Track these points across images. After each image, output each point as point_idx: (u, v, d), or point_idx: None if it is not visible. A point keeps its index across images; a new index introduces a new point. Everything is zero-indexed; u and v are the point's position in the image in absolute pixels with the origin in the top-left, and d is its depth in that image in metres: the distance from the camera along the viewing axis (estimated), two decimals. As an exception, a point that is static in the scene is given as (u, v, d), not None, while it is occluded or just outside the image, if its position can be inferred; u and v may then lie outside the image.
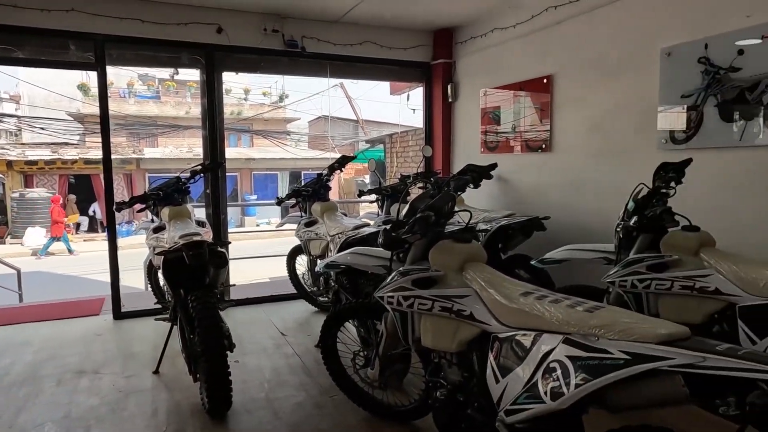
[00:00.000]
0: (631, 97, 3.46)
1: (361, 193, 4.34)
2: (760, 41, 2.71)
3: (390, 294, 2.04)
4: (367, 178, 16.99)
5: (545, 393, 1.43)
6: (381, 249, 2.58)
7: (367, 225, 3.35)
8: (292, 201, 4.24)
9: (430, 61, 5.53)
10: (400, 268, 2.08)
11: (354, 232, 3.24)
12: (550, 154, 4.21)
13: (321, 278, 4.01)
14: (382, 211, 4.52)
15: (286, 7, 4.56)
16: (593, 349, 1.36)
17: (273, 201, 4.33)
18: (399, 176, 4.73)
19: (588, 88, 3.80)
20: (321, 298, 4.61)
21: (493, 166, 3.40)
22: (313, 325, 4.32)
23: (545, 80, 4.18)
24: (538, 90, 4.28)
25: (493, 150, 4.85)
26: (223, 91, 4.85)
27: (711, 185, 2.97)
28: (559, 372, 1.42)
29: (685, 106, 3.09)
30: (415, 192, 5.35)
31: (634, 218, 2.36)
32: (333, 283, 3.58)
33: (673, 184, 2.57)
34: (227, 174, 4.90)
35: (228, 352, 2.61)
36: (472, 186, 2.45)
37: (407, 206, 2.11)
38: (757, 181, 2.79)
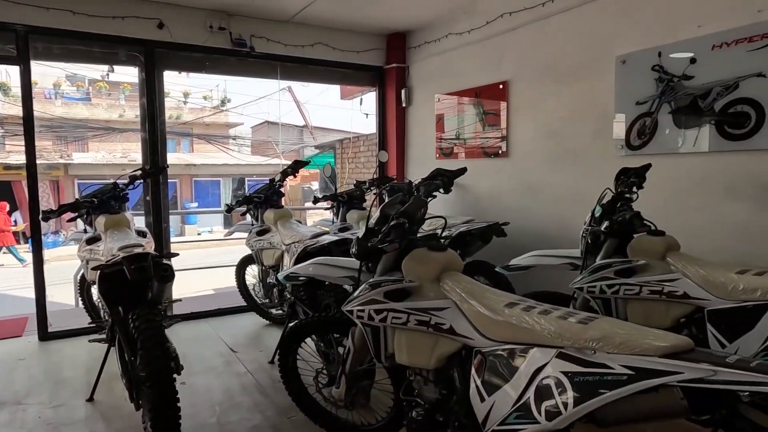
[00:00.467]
0: (587, 104, 3.51)
1: (315, 200, 4.15)
2: (710, 50, 2.79)
3: (360, 308, 1.89)
4: (314, 185, 16.69)
5: (539, 412, 1.32)
6: (345, 259, 2.43)
7: (326, 233, 3.18)
8: (243, 208, 3.99)
9: (384, 65, 5.44)
10: (370, 280, 1.93)
11: (313, 241, 3.06)
12: (507, 160, 4.21)
13: (274, 290, 3.79)
14: (337, 219, 4.36)
15: (234, 5, 4.32)
16: (591, 364, 1.28)
17: (218, 208, 4.06)
18: (354, 182, 4.59)
19: (544, 95, 3.83)
20: (273, 311, 4.37)
21: (463, 170, 3.31)
22: (265, 340, 4.07)
23: (501, 86, 4.18)
24: (493, 96, 4.27)
25: (449, 156, 4.81)
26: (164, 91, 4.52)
27: (666, 190, 3.03)
28: (554, 389, 1.32)
29: (641, 113, 3.15)
30: (371, 199, 5.23)
31: (605, 223, 2.34)
32: (288, 295, 3.38)
33: (634, 188, 2.59)
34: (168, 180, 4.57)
35: (175, 375, 2.35)
36: (442, 191, 2.37)
37: (377, 213, 1.97)
38: (708, 187, 2.87)
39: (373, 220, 1.93)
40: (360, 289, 1.95)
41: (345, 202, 4.22)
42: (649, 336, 1.26)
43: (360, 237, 1.80)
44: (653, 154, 3.08)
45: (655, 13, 3.07)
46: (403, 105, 5.36)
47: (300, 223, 3.85)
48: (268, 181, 3.99)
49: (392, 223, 1.77)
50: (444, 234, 3.58)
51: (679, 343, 1.21)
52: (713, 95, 2.79)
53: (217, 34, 4.47)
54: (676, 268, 2.21)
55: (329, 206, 4.42)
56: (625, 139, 3.25)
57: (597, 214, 2.48)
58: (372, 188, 4.51)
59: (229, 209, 3.87)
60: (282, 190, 4.06)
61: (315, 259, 2.43)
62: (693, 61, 2.87)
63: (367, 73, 5.50)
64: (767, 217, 2.64)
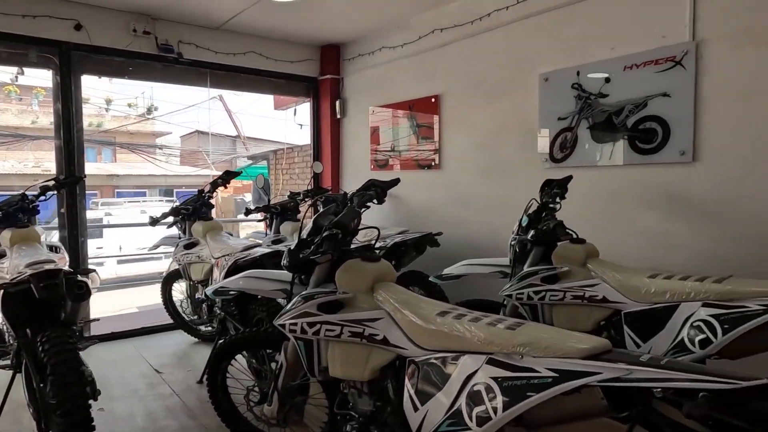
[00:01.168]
0: (514, 118, 3.66)
1: (248, 212, 4.04)
2: (623, 71, 3.01)
3: (292, 321, 1.84)
4: (247, 197, 16.25)
5: (470, 418, 1.35)
6: (277, 272, 2.37)
7: (257, 245, 3.09)
8: (169, 220, 3.80)
9: (318, 76, 5.42)
10: (303, 293, 1.89)
11: (244, 254, 2.96)
12: (439, 172, 4.30)
13: (203, 305, 3.62)
14: (270, 231, 4.26)
15: (159, 8, 4.15)
16: (519, 369, 1.31)
17: (145, 222, 3.84)
18: (288, 193, 4.51)
19: (474, 109, 3.96)
20: (203, 328, 4.18)
21: (396, 181, 3.34)
22: (194, 358, 3.88)
23: (433, 99, 4.29)
24: (426, 109, 4.37)
25: (384, 167, 4.85)
26: (82, 96, 4.24)
27: (586, 201, 3.21)
28: (484, 395, 1.35)
29: (562, 128, 3.33)
30: (305, 210, 5.17)
31: (531, 232, 2.44)
32: (218, 311, 3.25)
33: (558, 199, 2.72)
34: (86, 192, 4.27)
35: (91, 401, 2.18)
36: (376, 201, 2.37)
37: (310, 224, 1.94)
38: (623, 197, 3.07)
39: (305, 232, 1.90)
40: (292, 302, 1.90)
41: (278, 213, 4.14)
42: (571, 339, 1.32)
43: (291, 248, 1.76)
44: (574, 167, 3.26)
45: (574, 35, 3.27)
46: (338, 116, 5.37)
47: (231, 235, 3.72)
48: (196, 192, 3.83)
49: (325, 233, 1.74)
50: (379, 245, 3.60)
51: (598, 345, 1.27)
52: (625, 112, 3.01)
53: (142, 38, 4.27)
54: (595, 274, 2.34)
55: (262, 218, 4.31)
56: (549, 152, 3.42)
57: (524, 224, 2.58)
58: (306, 199, 4.46)
59: (154, 222, 3.67)
60: (212, 201, 3.91)
61: (246, 272, 2.35)
62: (608, 80, 3.08)
63: (301, 84, 5.45)
64: (672, 225, 2.86)
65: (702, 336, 1.91)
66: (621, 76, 3.02)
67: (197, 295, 3.79)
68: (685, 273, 2.14)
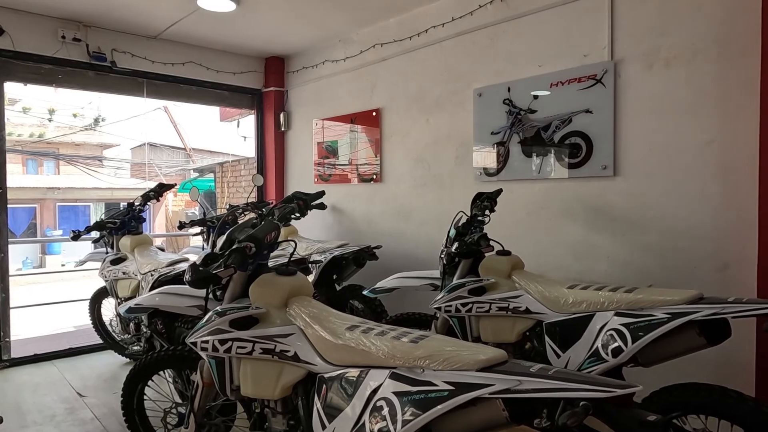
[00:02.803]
0: (450, 132, 3.72)
1: (181, 225, 3.91)
2: (549, 88, 3.11)
3: (204, 338, 1.77)
4: (197, 210, 15.84)
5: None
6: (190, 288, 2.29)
7: (186, 260, 2.98)
8: (94, 235, 3.63)
9: (262, 89, 5.36)
10: (217, 308, 1.83)
11: (168, 269, 2.85)
12: (380, 185, 4.31)
13: (131, 324, 3.47)
14: (207, 245, 4.13)
15: (90, 16, 4.01)
16: (419, 382, 1.30)
17: (66, 237, 3.66)
18: (227, 206, 4.40)
19: (413, 122, 4.00)
20: (134, 347, 3.99)
21: (321, 193, 3.31)
22: (121, 381, 3.66)
23: (374, 113, 4.31)
24: (368, 122, 4.38)
25: (327, 180, 4.82)
26: (5, 103, 4.03)
27: (517, 213, 3.29)
28: (386, 410, 1.32)
29: (495, 142, 3.40)
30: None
31: (456, 244, 2.46)
32: (145, 329, 3.10)
33: (487, 212, 2.76)
34: (23, 206, 4.04)
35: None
36: (298, 215, 2.30)
37: (224, 237, 1.88)
38: (551, 210, 3.16)
39: (219, 245, 1.84)
40: (206, 318, 1.83)
41: (216, 227, 4.02)
42: (469, 351, 1.32)
43: (195, 262, 1.69)
44: (506, 180, 3.33)
45: (505, 52, 3.36)
46: (282, 129, 5.31)
47: (162, 250, 3.59)
48: (126, 205, 3.68)
49: (234, 247, 1.69)
50: (317, 258, 3.55)
51: (494, 356, 1.27)
52: (553, 128, 3.10)
53: (71, 45, 4.10)
54: (519, 286, 2.38)
55: (199, 231, 4.19)
56: (483, 165, 3.48)
57: (451, 236, 2.60)
58: (246, 212, 4.36)
59: (76, 236, 3.49)
60: (144, 215, 3.77)
61: (163, 288, 2.26)
62: (536, 96, 3.18)
63: (245, 96, 5.38)
64: (594, 237, 2.96)
65: (615, 344, 1.96)
66: (548, 92, 3.12)
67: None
68: (604, 283, 2.19)
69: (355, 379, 1.45)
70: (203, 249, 4.20)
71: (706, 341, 1.91)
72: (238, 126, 6.00)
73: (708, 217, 2.53)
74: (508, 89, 3.31)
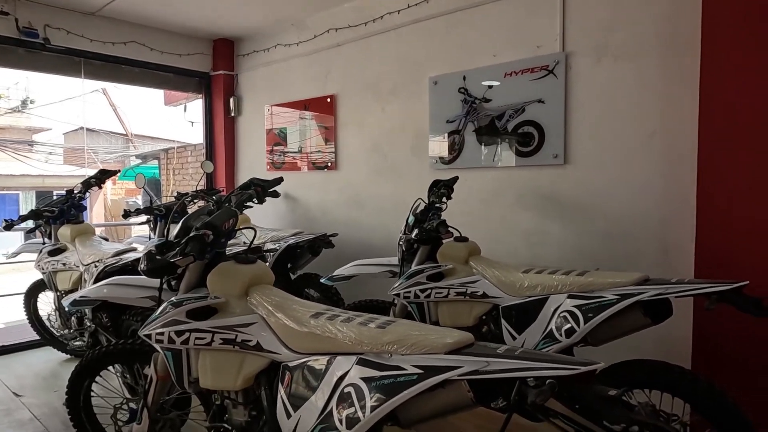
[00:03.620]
0: (406, 120, 3.73)
1: (126, 214, 3.72)
2: (504, 77, 3.17)
3: (159, 330, 1.70)
4: (140, 199, 15.14)
5: (341, 421, 1.32)
6: (145, 277, 2.19)
7: (133, 250, 2.84)
8: (31, 224, 3.39)
9: (210, 72, 5.16)
10: (172, 299, 1.75)
11: (114, 260, 2.70)
12: (335, 172, 4.27)
13: (73, 318, 3.28)
14: (154, 234, 3.96)
15: (21, -13, 3.71)
16: (387, 367, 1.30)
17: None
18: (175, 194, 4.23)
19: (368, 110, 3.98)
20: (75, 343, 3.78)
21: (279, 180, 3.23)
22: (62, 378, 3.49)
23: (329, 100, 4.25)
24: (322, 109, 4.32)
25: (280, 168, 4.72)
26: None
27: (472, 201, 3.35)
28: (354, 396, 1.32)
29: (451, 131, 3.44)
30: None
31: (415, 231, 2.48)
32: (89, 323, 2.95)
33: (444, 199, 2.79)
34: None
35: None
36: (255, 201, 2.23)
37: (179, 225, 1.81)
38: (505, 198, 3.24)
39: (174, 232, 1.76)
40: (160, 309, 1.76)
41: (164, 215, 3.85)
42: (436, 335, 1.33)
43: (151, 251, 1.62)
44: (462, 168, 3.38)
45: (460, 41, 3.39)
46: (232, 114, 5.14)
47: (106, 240, 3.40)
48: (65, 193, 3.46)
49: (191, 234, 1.62)
50: (272, 248, 3.48)
51: (461, 339, 1.29)
52: (506, 117, 3.17)
53: (-2, 19, 3.78)
54: (476, 271, 2.43)
55: (145, 220, 4.00)
56: (438, 153, 3.52)
57: (410, 223, 2.62)
58: (195, 200, 4.21)
59: (8, 226, 3.25)
60: (85, 203, 3.55)
61: (110, 279, 2.14)
62: (491, 86, 3.23)
63: (192, 79, 5.16)
64: (546, 224, 3.06)
65: (568, 325, 2.04)
66: (502, 82, 3.18)
67: (65, 307, 3.43)
68: (557, 267, 2.27)
69: (321, 366, 1.44)
70: (150, 239, 4.02)
71: (651, 321, 2.03)
72: (185, 110, 5.75)
73: (652, 205, 2.67)
74: (464, 78, 3.35)
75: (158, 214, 3.87)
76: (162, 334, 1.71)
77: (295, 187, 4.58)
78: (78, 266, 3.05)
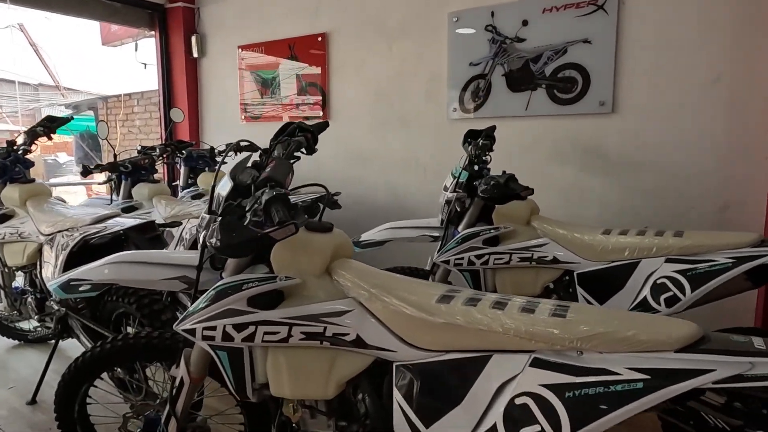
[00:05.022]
0: (418, 63, 3.29)
1: (86, 171, 3.06)
2: (541, 14, 2.80)
3: (210, 324, 1.26)
4: (62, 157, 13.52)
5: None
6: (164, 253, 1.70)
7: (116, 215, 2.25)
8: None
9: (165, 3, 4.38)
10: (221, 282, 1.30)
11: (95, 228, 2.13)
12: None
13: (27, 298, 2.68)
14: (118, 196, 3.34)
15: None
16: (584, 371, 0.96)
17: None
18: (138, 148, 3.59)
19: (370, 51, 3.49)
20: (25, 325, 3.17)
21: (325, 124, 2.55)
22: (17, 369, 2.90)
23: (320, 38, 3.70)
24: (311, 50, 3.76)
25: (258, 118, 4.15)
26: None
27: (497, 154, 3.00)
28: (536, 413, 0.98)
29: (474, 75, 3.05)
30: (164, 170, 4.26)
31: (482, 187, 2.10)
32: (56, 306, 2.38)
33: (487, 151, 2.44)
34: None
35: None
36: (305, 152, 1.79)
37: (225, 183, 1.33)
38: (538, 151, 2.93)
39: (224, 193, 1.29)
40: (205, 296, 1.30)
41: (129, 173, 3.23)
42: (654, 326, 1.00)
43: (225, 219, 1.14)
44: (487, 118, 3.03)
45: (487, -30, 2.96)
46: (195, 56, 4.43)
47: (65, 202, 2.77)
48: (5, 145, 2.76)
49: (268, 196, 1.16)
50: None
51: (691, 332, 0.97)
52: (544, 59, 2.82)
53: None
54: (543, 233, 2.12)
55: (106, 179, 3.36)
56: (459, 101, 3.13)
57: (463, 179, 2.25)
58: (165, 156, 3.59)
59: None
60: (29, 157, 2.87)
61: (114, 256, 1.61)
62: (525, 23, 2.85)
63: (143, 12, 4.38)
64: (586, 180, 2.81)
65: (668, 294, 1.79)
66: (540, 19, 2.81)
67: (16, 285, 2.80)
68: (641, 227, 2.01)
69: (468, 368, 1.08)
70: (111, 201, 3.39)
71: (752, 284, 1.82)
72: (135, 50, 4.93)
73: (709, 157, 2.47)
74: (492, 14, 2.95)
75: (123, 172, 3.24)
76: (213, 328, 1.27)
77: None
78: (35, 237, 2.43)
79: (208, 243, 1.11)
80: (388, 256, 3.02)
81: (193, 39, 4.39)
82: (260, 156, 1.52)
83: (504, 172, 2.14)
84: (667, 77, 2.52)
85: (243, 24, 4.13)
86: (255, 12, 4.05)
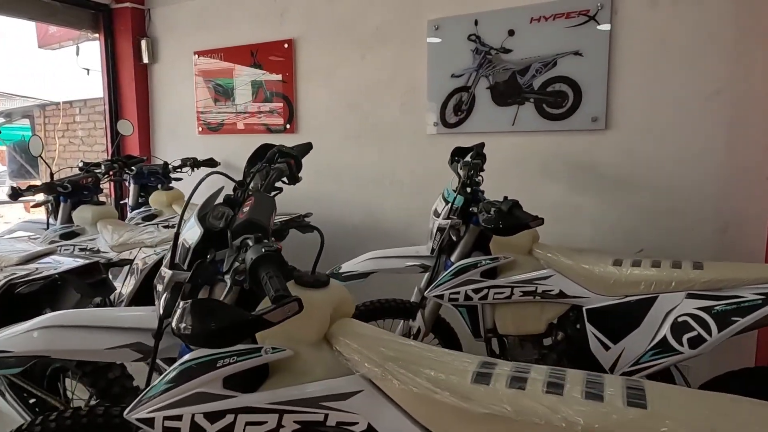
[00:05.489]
0: (395, 73, 3.06)
1: (15, 194, 2.63)
2: (529, 23, 2.63)
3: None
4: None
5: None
6: (109, 312, 1.38)
7: (50, 252, 1.86)
8: None
9: (111, 3, 3.98)
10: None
11: (25, 270, 1.74)
12: (295, 136, 3.48)
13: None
14: (55, 220, 2.92)
15: None
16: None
17: None
18: (80, 164, 3.19)
19: (342, 59, 3.23)
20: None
21: (308, 147, 2.18)
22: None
23: (286, 45, 3.41)
24: (276, 57, 3.47)
25: (218, 130, 3.81)
26: None
27: (486, 171, 2.81)
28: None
29: (457, 87, 2.85)
30: (110, 188, 3.86)
31: (486, 215, 1.86)
32: None
33: (479, 170, 2.23)
34: None
35: None
36: (286, 181, 1.51)
37: (194, 228, 1.04)
38: (526, 168, 2.76)
39: (191, 239, 1.00)
40: (166, 375, 1.01)
41: (71, 193, 2.84)
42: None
43: (195, 302, 0.82)
44: (470, 133, 2.83)
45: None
46: (145, 61, 4.04)
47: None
48: None
49: (255, 254, 0.88)
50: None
51: None
52: (532, 71, 2.65)
53: None
54: (547, 263, 1.92)
55: (42, 201, 2.94)
56: (440, 114, 2.92)
57: (458, 205, 2.02)
58: (111, 173, 3.20)
59: None
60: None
61: (52, 317, 1.24)
62: (511, 33, 2.68)
63: (85, 12, 3.96)
64: (578, 199, 2.65)
65: (692, 333, 1.61)
66: (527, 29, 2.64)
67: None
68: (656, 257, 1.83)
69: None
70: (48, 226, 2.97)
71: (774, 320, 1.68)
72: (77, 53, 4.46)
73: (708, 175, 2.35)
74: (476, 22, 2.75)
75: (62, 192, 2.84)
76: (178, 418, 0.98)
77: (238, 154, 3.70)
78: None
79: (174, 328, 0.82)
80: (367, 286, 2.76)
81: (143, 43, 4.00)
82: (234, 190, 1.23)
83: (506, 197, 1.92)
84: (663, 91, 2.39)
85: (199, 28, 3.79)
86: (213, 15, 3.71)
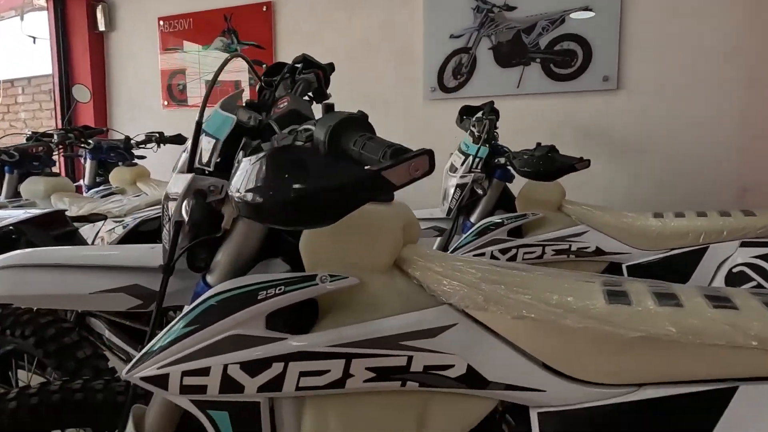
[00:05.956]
0: (387, 35, 2.84)
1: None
2: (534, -22, 2.48)
3: (196, 366, 0.71)
4: None
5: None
6: (89, 250, 1.08)
7: (2, 206, 1.52)
8: None
9: (62, -36, 3.58)
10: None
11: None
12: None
13: None
14: (0, 194, 2.53)
15: None
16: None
17: None
18: (28, 132, 2.79)
19: (325, 21, 2.99)
20: None
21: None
22: None
23: (264, 8, 3.13)
24: (253, 21, 3.18)
25: (184, 103, 3.47)
26: None
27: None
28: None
29: (456, 49, 2.66)
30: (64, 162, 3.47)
31: (523, 159, 1.67)
32: None
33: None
34: None
35: None
36: (312, 96, 1.30)
37: (224, 119, 0.79)
38: (531, 133, 2.58)
39: (221, 134, 0.74)
40: (182, 318, 0.74)
41: (16, 163, 2.45)
42: None
43: (284, 147, 0.56)
44: (472, 97, 2.64)
45: (469, -71, 2.60)
46: (101, 29, 3.66)
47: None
48: None
49: (334, 120, 0.64)
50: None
51: None
52: (538, 29, 2.50)
53: None
54: (579, 219, 1.74)
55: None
56: (438, 78, 2.72)
57: (482, 155, 1.81)
58: (64, 145, 2.81)
59: None
60: None
61: (14, 255, 0.93)
62: (516, -12, 2.52)
63: (32, -29, 3.53)
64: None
65: (751, 284, 1.48)
66: (533, -16, 2.49)
67: None
68: (699, 208, 1.69)
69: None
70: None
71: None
72: (21, 20, 3.99)
73: (725, 136, 2.26)
74: (477, -22, 2.58)
75: (7, 162, 2.45)
76: (204, 372, 0.71)
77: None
78: None
79: (239, 196, 0.55)
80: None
81: (99, 9, 3.61)
82: (260, 92, 0.97)
83: (539, 143, 1.73)
84: (678, 49, 2.29)
85: (164, -9, 3.45)
86: (180, -24, 3.39)
